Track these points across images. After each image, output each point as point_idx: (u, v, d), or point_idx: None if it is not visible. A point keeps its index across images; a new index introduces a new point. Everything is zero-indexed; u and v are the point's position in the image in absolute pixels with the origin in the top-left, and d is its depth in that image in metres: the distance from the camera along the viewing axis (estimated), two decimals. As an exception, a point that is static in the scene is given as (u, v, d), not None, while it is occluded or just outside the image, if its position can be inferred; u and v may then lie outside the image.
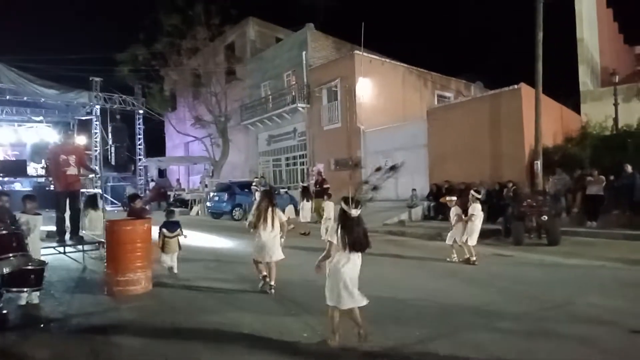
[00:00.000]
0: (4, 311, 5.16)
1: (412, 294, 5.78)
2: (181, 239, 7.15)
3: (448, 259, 8.07)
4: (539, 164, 12.59)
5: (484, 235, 10.73)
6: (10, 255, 4.88)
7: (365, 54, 19.62)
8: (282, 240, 6.14)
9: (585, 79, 18.29)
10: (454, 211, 8.20)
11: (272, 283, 5.92)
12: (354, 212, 3.87)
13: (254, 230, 6.01)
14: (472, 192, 8.11)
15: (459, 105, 16.40)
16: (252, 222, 6.05)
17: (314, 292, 5.87)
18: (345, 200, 3.91)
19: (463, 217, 7.99)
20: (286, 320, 4.77)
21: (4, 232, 5.04)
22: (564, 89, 18.88)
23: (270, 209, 5.95)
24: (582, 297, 5.59)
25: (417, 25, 52.32)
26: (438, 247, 9.88)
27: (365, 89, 19.27)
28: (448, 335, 4.27)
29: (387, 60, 20.79)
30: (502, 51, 42.93)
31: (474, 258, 7.75)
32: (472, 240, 7.83)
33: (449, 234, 8.23)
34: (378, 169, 4.51)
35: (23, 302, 5.44)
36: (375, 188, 4.23)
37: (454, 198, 8.45)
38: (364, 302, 3.91)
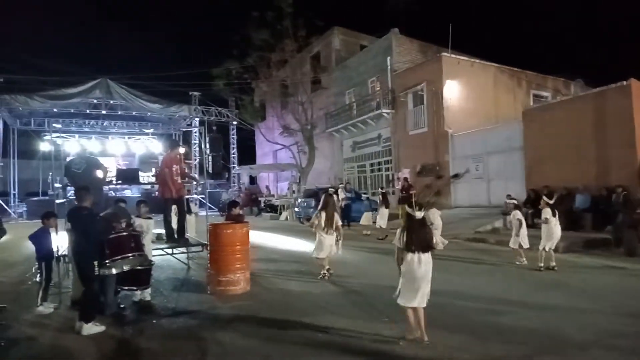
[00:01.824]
0: (122, 305, 5.77)
1: (513, 307, 5.49)
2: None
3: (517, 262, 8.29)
4: (654, 167, 11.32)
5: (591, 245, 9.94)
6: (130, 255, 5.42)
7: (452, 55, 19.04)
8: (340, 241, 7.22)
9: None
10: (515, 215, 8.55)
11: (328, 267, 7.08)
12: (419, 214, 4.21)
13: (318, 230, 7.11)
14: (544, 197, 8.20)
15: (558, 104, 15.23)
16: (315, 223, 7.20)
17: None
18: (409, 204, 4.29)
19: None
20: (379, 326, 4.77)
21: (124, 233, 5.62)
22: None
23: (331, 214, 7.06)
24: None
25: (508, 22, 49.63)
26: (536, 257, 9.27)
27: (453, 92, 18.64)
28: (555, 351, 4.02)
29: (477, 60, 19.93)
30: (604, 46, 39.19)
31: (542, 264, 7.76)
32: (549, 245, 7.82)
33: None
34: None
35: (137, 299, 6.02)
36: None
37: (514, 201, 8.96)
38: (424, 303, 4.20)
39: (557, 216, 7.88)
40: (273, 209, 24.08)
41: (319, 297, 6.10)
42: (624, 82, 12.56)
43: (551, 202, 7.99)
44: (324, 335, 4.55)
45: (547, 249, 7.80)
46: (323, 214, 7.06)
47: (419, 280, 4.14)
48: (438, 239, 10.55)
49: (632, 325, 4.69)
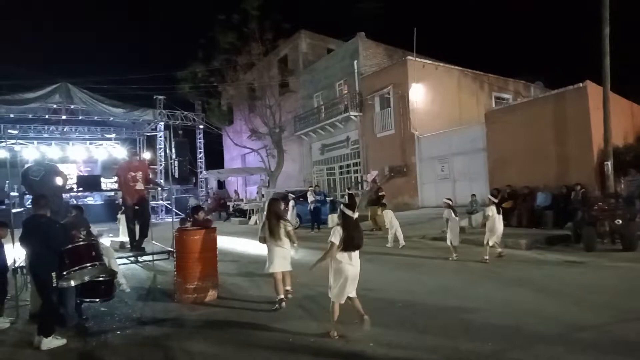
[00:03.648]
0: (84, 317, 5.56)
1: (480, 304, 5.59)
2: None
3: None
4: (609, 165, 11.79)
5: (552, 241, 10.27)
6: (88, 265, 5.22)
7: (417, 59, 19.38)
8: (296, 246, 6.18)
9: (659, 73, 17.01)
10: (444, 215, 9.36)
11: (288, 288, 6.07)
12: (355, 215, 4.49)
13: (266, 243, 6.02)
14: (489, 196, 8.89)
15: (519, 106, 15.73)
16: (262, 237, 6.11)
17: (375, 301, 5.87)
18: (347, 205, 4.55)
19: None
20: (350, 328, 4.75)
21: (81, 242, 5.39)
22: (634, 84, 17.63)
23: (277, 222, 5.96)
24: (667, 307, 5.17)
25: (471, 26, 51.02)
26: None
27: (419, 95, 18.98)
28: (522, 347, 4.10)
29: (441, 64, 20.38)
30: (562, 49, 40.87)
31: (487, 257, 8.43)
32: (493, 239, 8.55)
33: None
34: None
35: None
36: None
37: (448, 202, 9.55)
38: (353, 293, 4.52)
39: (500, 213, 8.65)
40: (242, 213, 23.79)
41: (290, 302, 6.02)
42: (580, 84, 13.08)
43: (496, 200, 8.64)
44: (295, 340, 4.51)
45: (491, 243, 8.49)
46: (267, 223, 6.02)
47: (350, 277, 4.40)
48: (398, 237, 11.11)
49: (592, 319, 4.85)
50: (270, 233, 5.91)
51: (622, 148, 13.03)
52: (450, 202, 9.48)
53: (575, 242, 10.03)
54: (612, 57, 11.80)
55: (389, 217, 11.50)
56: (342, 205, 4.59)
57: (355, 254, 4.49)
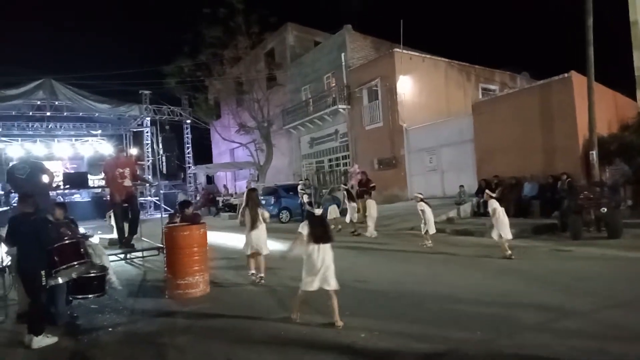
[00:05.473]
0: (75, 314, 5.52)
1: (469, 294, 5.67)
2: None
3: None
4: (594, 155, 11.96)
5: (539, 230, 10.42)
6: (76, 263, 5.18)
7: (404, 51, 19.40)
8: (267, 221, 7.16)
9: (640, 64, 17.16)
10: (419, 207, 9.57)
11: (262, 274, 6.83)
12: (317, 212, 4.94)
13: (245, 227, 6.98)
14: (486, 191, 8.55)
15: (505, 97, 15.85)
16: (242, 220, 7.13)
17: (367, 293, 5.93)
18: (309, 203, 4.96)
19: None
20: (342, 320, 4.79)
21: (67, 241, 5.35)
22: (617, 74, 17.86)
23: (255, 209, 6.93)
24: (651, 292, 5.30)
25: (457, 18, 51.21)
26: (491, 244, 9.62)
27: (406, 87, 19.03)
28: (511, 335, 4.15)
29: (428, 56, 20.43)
30: (547, 40, 41.20)
31: (509, 252, 7.84)
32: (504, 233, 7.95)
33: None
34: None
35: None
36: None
37: (419, 195, 9.93)
38: (336, 286, 4.67)
39: (502, 206, 8.20)
40: (232, 208, 23.71)
41: (281, 295, 6.06)
42: (565, 75, 13.22)
43: (494, 195, 8.37)
44: (288, 333, 4.53)
45: (496, 238, 8.04)
46: (247, 211, 6.98)
47: (317, 267, 4.63)
48: (371, 229, 11.67)
49: (579, 305, 4.94)
50: (248, 218, 6.88)
51: (607, 137, 13.22)
52: (421, 196, 9.90)
53: (561, 231, 10.19)
54: (596, 48, 11.92)
55: (370, 207, 11.91)
56: (307, 205, 5.09)
57: (324, 247, 4.68)
